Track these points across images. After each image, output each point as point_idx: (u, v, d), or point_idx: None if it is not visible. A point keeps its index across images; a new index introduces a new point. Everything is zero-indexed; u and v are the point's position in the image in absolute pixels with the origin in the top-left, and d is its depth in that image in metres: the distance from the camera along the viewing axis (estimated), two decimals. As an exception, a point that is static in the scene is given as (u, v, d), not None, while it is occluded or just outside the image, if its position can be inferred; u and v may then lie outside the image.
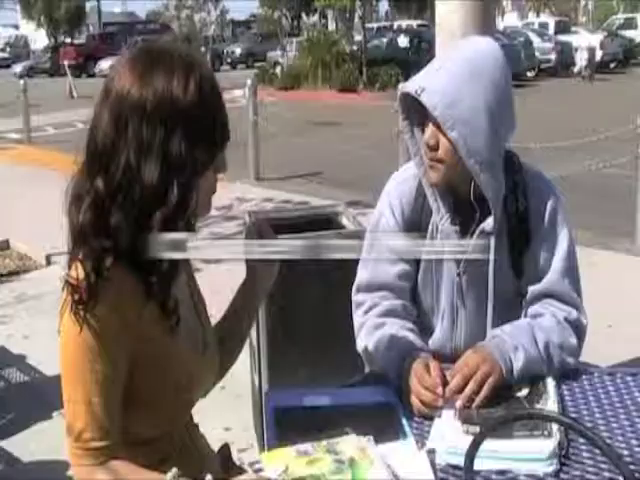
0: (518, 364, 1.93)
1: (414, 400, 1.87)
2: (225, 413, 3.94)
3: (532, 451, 1.63)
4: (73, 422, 1.52)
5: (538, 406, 1.79)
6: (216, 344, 1.81)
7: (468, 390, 1.83)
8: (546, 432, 1.66)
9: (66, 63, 29.40)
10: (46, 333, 5.21)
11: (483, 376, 1.86)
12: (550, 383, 1.89)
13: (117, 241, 1.51)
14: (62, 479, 3.58)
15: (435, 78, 1.98)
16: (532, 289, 2.13)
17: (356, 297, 2.25)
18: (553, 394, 1.84)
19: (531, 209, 2.11)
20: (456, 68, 1.98)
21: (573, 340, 2.05)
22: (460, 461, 1.47)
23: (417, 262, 2.19)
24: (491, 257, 2.08)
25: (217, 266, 5.36)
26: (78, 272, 1.51)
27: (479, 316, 2.17)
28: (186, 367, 1.66)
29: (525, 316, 2.15)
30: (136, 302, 1.55)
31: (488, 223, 2.05)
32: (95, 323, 1.50)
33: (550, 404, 1.79)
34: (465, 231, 2.12)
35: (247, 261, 1.86)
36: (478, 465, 1.50)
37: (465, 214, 2.11)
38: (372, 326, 2.15)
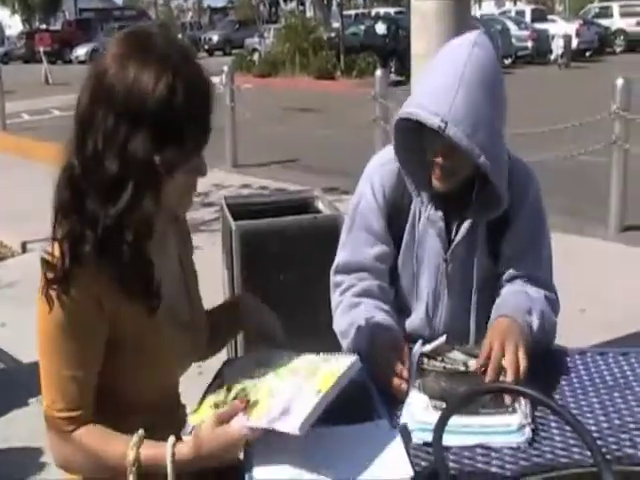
0: (535, 328, 1.97)
1: (383, 381, 1.86)
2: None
3: (501, 424, 1.66)
4: (46, 392, 1.61)
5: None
6: (205, 321, 1.83)
7: (510, 378, 1.78)
8: (510, 409, 1.70)
9: (41, 49, 29.07)
10: (22, 320, 5.17)
11: (513, 356, 1.82)
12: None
13: (92, 225, 1.51)
14: (38, 465, 3.59)
15: (457, 105, 1.89)
16: (510, 272, 2.15)
17: (334, 278, 2.27)
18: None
19: (512, 196, 2.10)
20: (474, 89, 1.91)
21: (554, 317, 2.11)
22: (430, 437, 1.49)
23: (397, 244, 2.21)
24: (480, 246, 2.13)
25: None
26: (55, 251, 1.54)
27: (461, 301, 2.20)
28: (169, 343, 1.68)
29: (501, 293, 2.15)
30: (114, 291, 1.56)
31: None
32: (65, 304, 1.53)
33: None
34: (449, 218, 2.14)
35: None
36: (449, 441, 1.54)
37: (448, 202, 2.13)
38: (347, 305, 2.17)
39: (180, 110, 1.48)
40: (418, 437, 1.66)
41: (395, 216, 2.19)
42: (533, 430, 1.68)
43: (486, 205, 2.08)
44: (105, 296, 1.56)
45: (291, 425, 1.50)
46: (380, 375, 1.87)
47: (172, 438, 1.56)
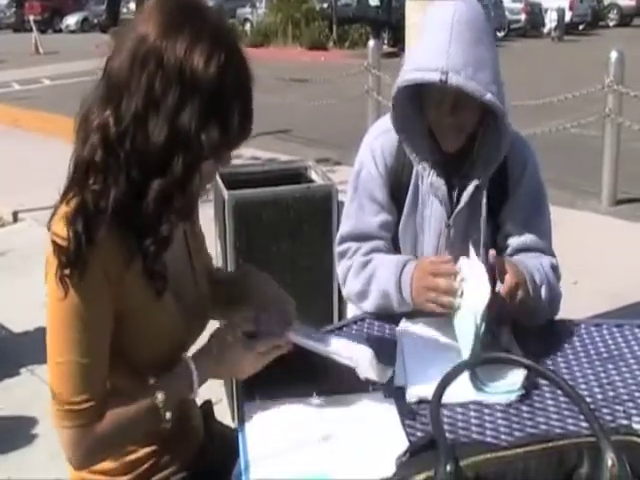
0: (543, 294, 2.00)
1: (429, 296, 1.90)
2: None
3: (505, 384, 1.71)
4: (59, 384, 1.49)
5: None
6: (207, 295, 1.79)
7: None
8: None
9: (31, 18, 28.82)
10: (14, 290, 5.21)
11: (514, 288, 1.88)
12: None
13: (114, 195, 1.44)
14: (30, 436, 3.60)
15: (452, 54, 1.90)
16: (515, 244, 2.15)
17: (339, 247, 2.26)
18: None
19: (511, 162, 2.12)
20: (466, 37, 1.92)
21: (559, 289, 2.12)
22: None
23: (399, 211, 2.21)
24: (484, 209, 2.12)
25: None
26: (68, 232, 1.42)
27: None
28: (173, 324, 1.63)
29: None
30: (119, 263, 1.49)
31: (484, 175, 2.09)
32: (80, 289, 1.44)
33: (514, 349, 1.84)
34: (450, 184, 2.14)
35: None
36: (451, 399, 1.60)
37: (447, 169, 2.13)
38: (359, 265, 2.17)
39: (229, 94, 1.44)
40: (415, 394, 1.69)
41: (396, 183, 2.19)
42: (525, 394, 1.70)
43: (487, 159, 2.09)
44: (115, 275, 1.49)
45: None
46: (428, 289, 1.91)
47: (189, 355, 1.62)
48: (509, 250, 2.16)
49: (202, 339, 1.72)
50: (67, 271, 1.42)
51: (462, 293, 1.83)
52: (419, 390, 1.68)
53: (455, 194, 2.15)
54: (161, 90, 1.41)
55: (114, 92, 1.45)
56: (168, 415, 1.55)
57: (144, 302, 1.56)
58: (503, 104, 1.96)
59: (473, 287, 1.80)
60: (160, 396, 1.54)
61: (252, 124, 1.51)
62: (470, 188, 2.11)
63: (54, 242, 1.43)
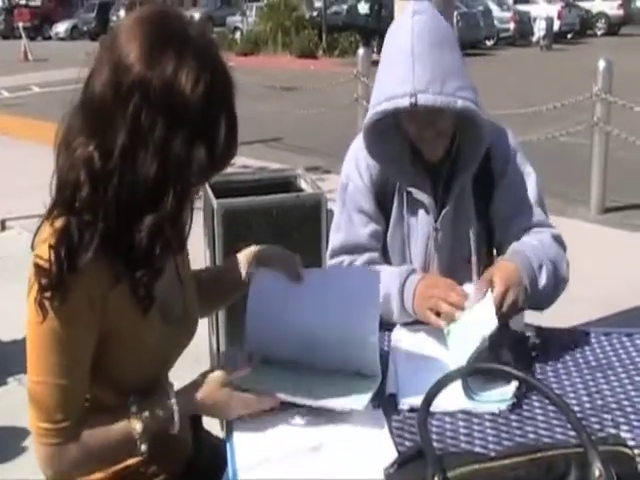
0: (542, 281, 2.01)
1: (431, 303, 1.94)
2: (186, 377, 3.92)
3: (498, 393, 1.71)
4: (36, 402, 1.49)
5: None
6: (196, 305, 1.78)
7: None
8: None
9: (20, 25, 28.81)
10: (2, 298, 5.17)
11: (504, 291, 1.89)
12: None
13: (101, 229, 1.41)
14: (18, 446, 3.57)
15: (417, 76, 1.93)
16: (512, 229, 2.17)
17: (332, 260, 2.27)
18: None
19: (492, 157, 2.16)
20: (427, 52, 1.95)
21: (564, 254, 2.17)
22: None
23: (387, 220, 2.23)
24: (472, 207, 2.16)
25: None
26: (50, 257, 1.39)
27: (451, 270, 2.20)
28: (158, 343, 1.61)
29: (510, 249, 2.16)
30: (103, 286, 1.46)
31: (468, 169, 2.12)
32: (61, 313, 1.42)
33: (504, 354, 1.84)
34: (436, 187, 2.17)
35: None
36: (439, 408, 1.59)
37: (432, 173, 2.17)
38: None
39: (216, 113, 1.41)
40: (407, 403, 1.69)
41: (382, 193, 2.22)
42: (514, 403, 1.70)
43: (467, 157, 2.12)
44: (98, 298, 1.46)
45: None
46: (439, 298, 1.93)
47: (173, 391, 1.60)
48: (510, 236, 2.17)
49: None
50: (48, 294, 1.40)
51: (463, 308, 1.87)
52: (411, 398, 1.68)
53: (440, 195, 2.17)
54: (148, 123, 1.37)
55: (97, 122, 1.40)
56: (144, 447, 1.53)
57: (129, 320, 1.53)
58: (476, 103, 1.99)
59: (478, 307, 1.84)
60: (138, 427, 1.53)
61: (237, 141, 1.48)
62: (455, 189, 2.14)
63: (36, 264, 1.41)
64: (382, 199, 2.22)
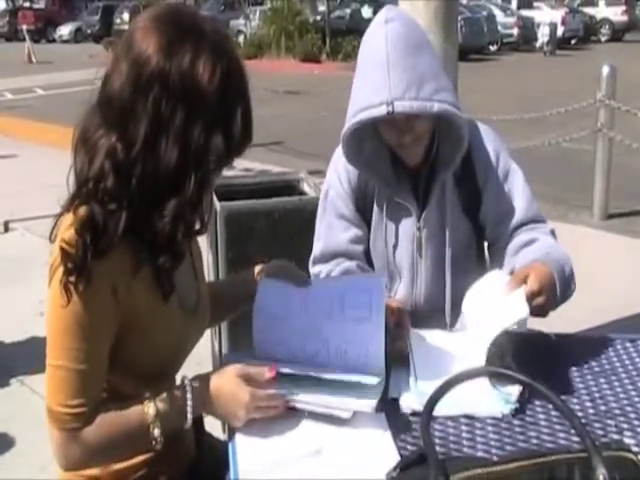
0: (570, 290, 2.05)
1: None
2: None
3: (504, 393, 1.71)
4: (55, 387, 1.50)
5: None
6: (208, 301, 1.81)
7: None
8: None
9: (24, 27, 28.83)
10: (5, 300, 5.18)
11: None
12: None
13: (125, 218, 1.45)
14: (20, 446, 3.57)
15: (393, 84, 1.93)
16: (506, 227, 2.17)
17: (312, 269, 2.30)
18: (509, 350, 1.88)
19: (474, 152, 2.16)
20: (402, 60, 1.95)
21: (563, 250, 2.13)
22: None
23: (368, 224, 2.24)
24: (448, 203, 2.16)
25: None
26: (77, 241, 1.43)
27: (437, 267, 2.21)
28: (176, 330, 1.65)
29: (512, 248, 2.16)
30: (127, 272, 1.50)
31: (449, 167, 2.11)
32: (84, 298, 1.45)
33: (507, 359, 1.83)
34: (416, 187, 2.18)
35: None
36: (442, 412, 1.59)
37: (413, 174, 2.17)
38: None
39: (231, 102, 1.46)
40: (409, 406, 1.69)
41: (362, 199, 2.24)
42: (516, 408, 1.70)
43: (447, 158, 2.12)
44: (121, 284, 1.50)
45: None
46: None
47: (188, 378, 1.60)
48: (503, 234, 2.17)
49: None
50: (72, 278, 1.44)
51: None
52: (414, 402, 1.68)
53: (420, 198, 2.18)
54: (169, 112, 1.42)
55: (118, 117, 1.45)
56: (157, 432, 1.54)
57: (150, 306, 1.57)
58: (453, 104, 1.99)
59: (507, 298, 1.84)
60: (152, 410, 1.54)
61: (253, 129, 1.53)
62: (435, 190, 2.15)
63: (62, 249, 1.44)
64: (363, 204, 2.23)
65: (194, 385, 1.59)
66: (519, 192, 2.18)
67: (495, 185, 2.17)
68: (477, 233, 2.24)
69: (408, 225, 2.20)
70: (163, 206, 1.47)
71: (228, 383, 1.60)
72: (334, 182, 2.26)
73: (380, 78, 1.94)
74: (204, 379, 1.62)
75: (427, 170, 2.16)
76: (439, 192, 2.16)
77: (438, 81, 1.98)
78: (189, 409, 1.57)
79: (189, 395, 1.57)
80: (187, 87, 1.42)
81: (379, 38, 1.97)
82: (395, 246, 2.22)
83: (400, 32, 1.97)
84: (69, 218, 1.47)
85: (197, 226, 1.57)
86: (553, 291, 1.92)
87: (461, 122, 2.03)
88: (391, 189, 2.18)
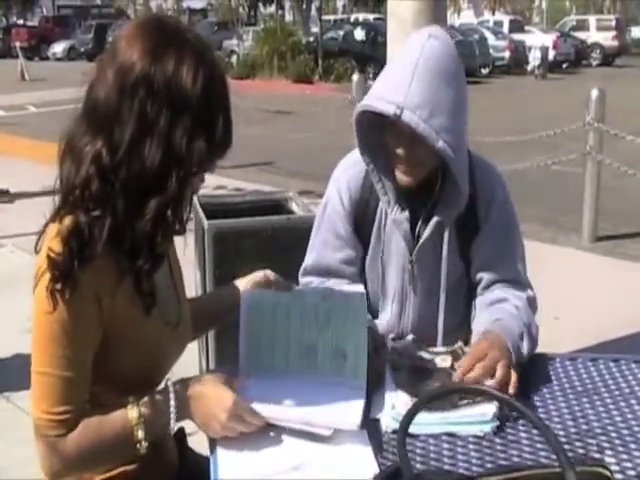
0: (524, 345, 1.97)
1: None
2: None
3: (477, 414, 1.70)
4: (40, 394, 1.52)
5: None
6: (189, 316, 1.82)
7: (474, 373, 1.79)
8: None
9: (18, 45, 28.91)
10: (-9, 314, 5.15)
11: (492, 361, 1.82)
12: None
13: (110, 224, 1.48)
14: (5, 463, 3.55)
15: (411, 93, 1.90)
16: (488, 278, 2.16)
17: (302, 279, 2.29)
18: None
19: (479, 197, 2.13)
20: (429, 77, 1.91)
21: (534, 317, 2.11)
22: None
23: (364, 247, 2.22)
24: (445, 246, 2.12)
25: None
26: (63, 249, 1.47)
27: (428, 303, 2.20)
28: (158, 342, 1.67)
29: (483, 301, 2.16)
30: (111, 282, 1.53)
31: (447, 213, 2.09)
32: (69, 305, 1.48)
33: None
34: (415, 219, 2.14)
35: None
36: (416, 429, 1.58)
37: (413, 202, 2.13)
38: None
39: (214, 105, 1.51)
40: (390, 425, 1.69)
41: (361, 219, 2.21)
42: (498, 427, 1.70)
43: (450, 202, 2.09)
44: (105, 294, 1.53)
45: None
46: None
47: (171, 381, 1.62)
48: (482, 284, 2.17)
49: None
50: (58, 286, 1.46)
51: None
52: (393, 422, 1.68)
53: (418, 229, 2.15)
54: (154, 114, 1.46)
55: (104, 122, 1.48)
56: (141, 434, 1.55)
57: (133, 318, 1.59)
58: (458, 152, 1.96)
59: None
60: (135, 413, 1.55)
61: (232, 133, 1.57)
62: (432, 224, 2.11)
63: (49, 256, 1.46)
64: (361, 223, 2.20)
65: (177, 388, 1.60)
66: (511, 249, 2.18)
67: (490, 232, 2.14)
68: (469, 271, 2.21)
69: (400, 255, 2.18)
70: (145, 207, 1.49)
71: (214, 387, 1.61)
72: (334, 198, 2.23)
73: (402, 81, 1.92)
74: (187, 382, 1.63)
75: (429, 209, 2.12)
76: (435, 231, 2.11)
77: (452, 119, 1.94)
78: (172, 409, 1.58)
79: (172, 396, 1.58)
80: (172, 91, 1.46)
81: (416, 46, 1.94)
82: (388, 271, 2.21)
83: (438, 52, 1.94)
84: (55, 228, 1.50)
85: (176, 226, 1.59)
86: (509, 358, 1.88)
87: (460, 176, 1.99)
88: (392, 201, 2.13)
